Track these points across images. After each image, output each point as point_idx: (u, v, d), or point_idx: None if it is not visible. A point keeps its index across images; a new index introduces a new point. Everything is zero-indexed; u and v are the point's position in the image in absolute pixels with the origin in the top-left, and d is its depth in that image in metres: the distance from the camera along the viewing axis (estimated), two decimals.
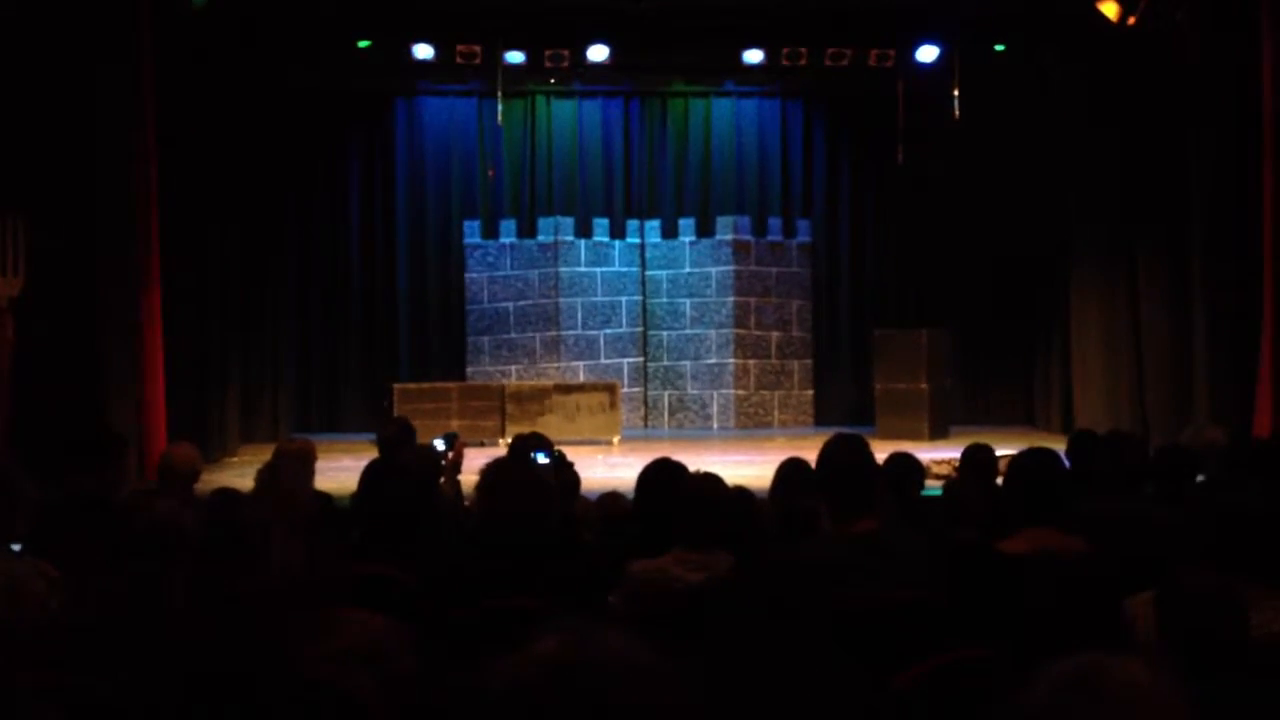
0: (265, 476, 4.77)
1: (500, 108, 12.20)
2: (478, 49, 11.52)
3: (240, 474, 8.18)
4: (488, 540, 3.65)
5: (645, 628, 3.15)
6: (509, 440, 7.72)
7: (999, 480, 5.18)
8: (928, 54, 11.70)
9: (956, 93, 11.60)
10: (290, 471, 4.75)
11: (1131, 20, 10.17)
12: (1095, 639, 2.71)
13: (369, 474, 4.26)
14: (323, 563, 2.99)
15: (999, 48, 11.76)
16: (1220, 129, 9.46)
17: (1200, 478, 4.94)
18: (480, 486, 3.74)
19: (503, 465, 3.82)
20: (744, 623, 3.04)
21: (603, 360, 13.10)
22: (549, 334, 13.01)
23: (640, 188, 13.34)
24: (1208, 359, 9.63)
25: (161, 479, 5.19)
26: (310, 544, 2.99)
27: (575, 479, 5.80)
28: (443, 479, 5.71)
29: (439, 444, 5.94)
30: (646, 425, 13.16)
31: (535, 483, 3.75)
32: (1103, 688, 1.58)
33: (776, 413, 13.25)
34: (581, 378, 12.74)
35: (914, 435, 11.39)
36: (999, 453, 5.77)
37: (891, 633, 3.21)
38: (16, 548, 3.60)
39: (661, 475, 4.45)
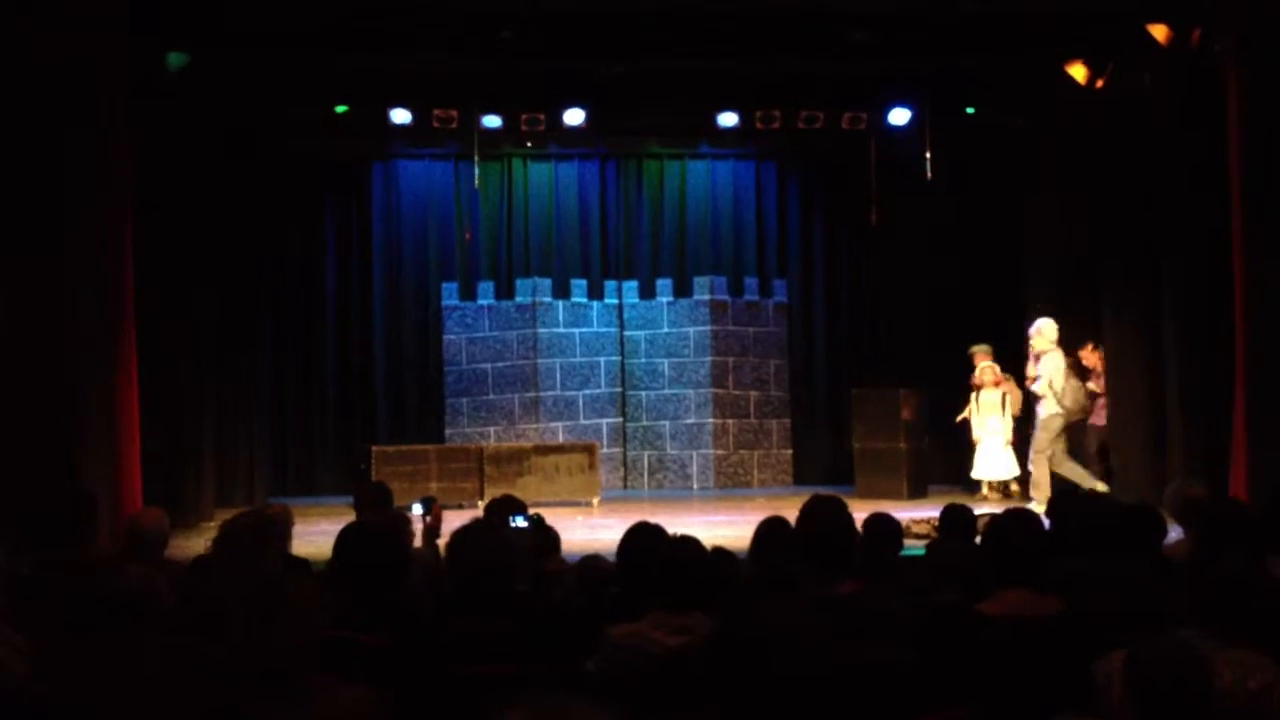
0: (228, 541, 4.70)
1: (477, 171, 12.26)
2: (454, 113, 11.60)
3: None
4: (463, 605, 3.63)
5: (624, 693, 3.12)
6: (487, 503, 7.71)
7: (977, 540, 5.18)
8: (899, 116, 11.84)
9: (928, 154, 11.74)
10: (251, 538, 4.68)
11: (1100, 83, 10.33)
12: (1068, 701, 2.71)
13: (343, 539, 4.24)
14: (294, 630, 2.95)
15: (969, 110, 11.92)
16: (1189, 187, 9.59)
17: (1174, 535, 4.96)
18: (450, 551, 3.73)
19: (470, 529, 3.80)
20: (724, 688, 3.02)
21: (582, 421, 13.08)
22: (528, 395, 13.00)
23: (617, 249, 13.41)
24: (1181, 416, 9.69)
25: (128, 544, 5.13)
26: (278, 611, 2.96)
27: (554, 539, 5.76)
28: (421, 543, 5.68)
29: (417, 508, 5.90)
30: (626, 486, 13.12)
31: (505, 546, 3.73)
32: None
33: (756, 472, 13.24)
34: (560, 439, 12.72)
35: (892, 495, 11.39)
36: (977, 512, 5.78)
37: (872, 695, 3.19)
38: None
39: (640, 538, 4.43)
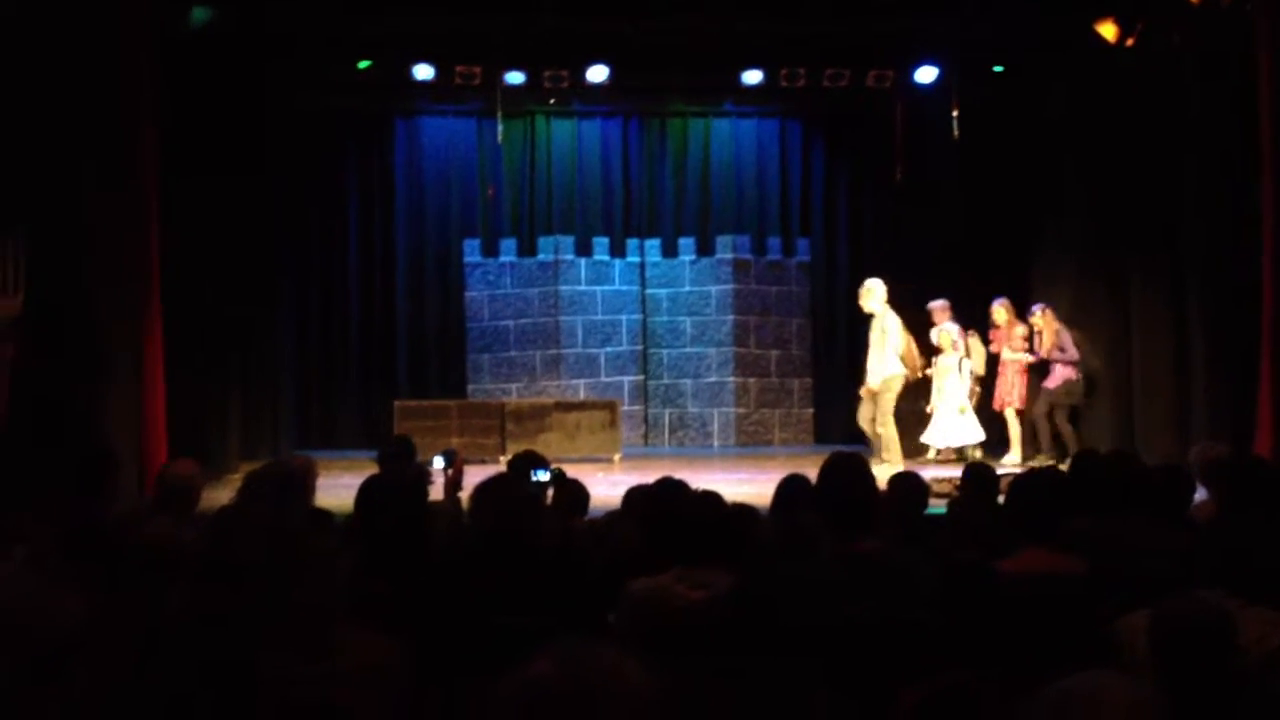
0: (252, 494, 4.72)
1: (500, 127, 12.23)
2: (477, 69, 11.56)
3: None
4: (484, 558, 3.65)
5: (645, 646, 3.14)
6: (508, 458, 7.84)
7: (1000, 499, 5.18)
8: (926, 75, 11.74)
9: (955, 113, 11.63)
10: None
11: (1130, 42, 10.21)
12: (1090, 659, 2.71)
13: (364, 491, 4.26)
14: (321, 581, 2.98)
15: (997, 69, 11.80)
16: (1217, 150, 9.49)
17: (1200, 496, 4.94)
18: (472, 504, 3.75)
19: (494, 483, 3.82)
20: (744, 642, 3.03)
21: (603, 378, 13.10)
22: (549, 352, 13.01)
23: (640, 207, 13.37)
24: (1206, 378, 9.65)
25: (159, 496, 5.17)
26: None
27: (582, 495, 5.77)
28: (444, 496, 5.71)
29: (438, 461, 5.94)
30: (647, 443, 13.15)
31: (526, 499, 3.75)
32: (1094, 707, 1.59)
33: (777, 431, 13.24)
34: (582, 396, 12.74)
35: (914, 454, 11.38)
36: (1000, 472, 5.77)
37: (891, 653, 3.20)
38: None
39: (662, 493, 4.45)
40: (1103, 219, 11.18)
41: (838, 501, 3.90)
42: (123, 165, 8.45)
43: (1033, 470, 4.53)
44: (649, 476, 4.98)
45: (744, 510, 4.18)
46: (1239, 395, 9.14)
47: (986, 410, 11.57)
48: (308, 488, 5.12)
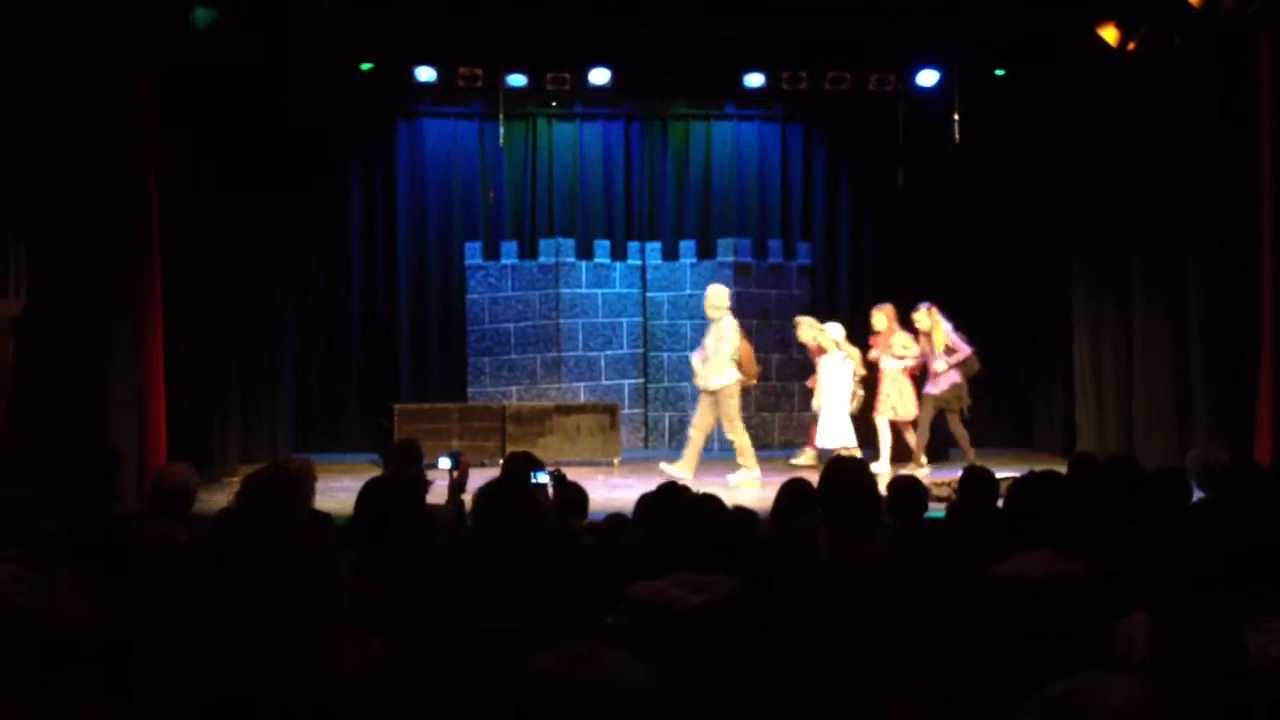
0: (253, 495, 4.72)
1: (502, 130, 12.25)
2: (479, 71, 11.57)
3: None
4: (485, 560, 3.65)
5: (644, 650, 3.14)
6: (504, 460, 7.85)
7: (999, 503, 5.19)
8: (928, 78, 11.75)
9: (956, 116, 11.64)
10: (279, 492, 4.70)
11: (1131, 45, 10.22)
12: (1088, 661, 2.71)
13: (364, 493, 4.27)
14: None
15: (999, 72, 11.81)
16: (1218, 154, 9.50)
17: (1197, 496, 4.95)
18: (473, 507, 3.76)
19: (496, 486, 3.83)
20: (744, 645, 3.03)
21: (603, 381, 13.10)
22: (550, 355, 13.01)
23: (641, 210, 13.36)
24: (1206, 382, 9.65)
25: (156, 499, 5.18)
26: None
27: (582, 497, 5.78)
28: (448, 498, 5.72)
29: (444, 462, 5.96)
30: (647, 446, 13.14)
31: (525, 501, 3.76)
32: (1094, 706, 1.59)
33: (776, 434, 13.23)
34: (582, 399, 12.74)
35: (912, 457, 11.37)
36: (999, 475, 5.78)
37: (890, 656, 3.20)
38: None
39: (662, 497, 4.45)
40: (1104, 222, 11.20)
41: (839, 505, 3.89)
42: (124, 167, 8.46)
43: (1032, 473, 4.53)
44: (649, 480, 4.99)
45: (744, 514, 4.19)
46: (1238, 400, 9.15)
47: (866, 416, 11.40)
48: (306, 490, 5.12)
